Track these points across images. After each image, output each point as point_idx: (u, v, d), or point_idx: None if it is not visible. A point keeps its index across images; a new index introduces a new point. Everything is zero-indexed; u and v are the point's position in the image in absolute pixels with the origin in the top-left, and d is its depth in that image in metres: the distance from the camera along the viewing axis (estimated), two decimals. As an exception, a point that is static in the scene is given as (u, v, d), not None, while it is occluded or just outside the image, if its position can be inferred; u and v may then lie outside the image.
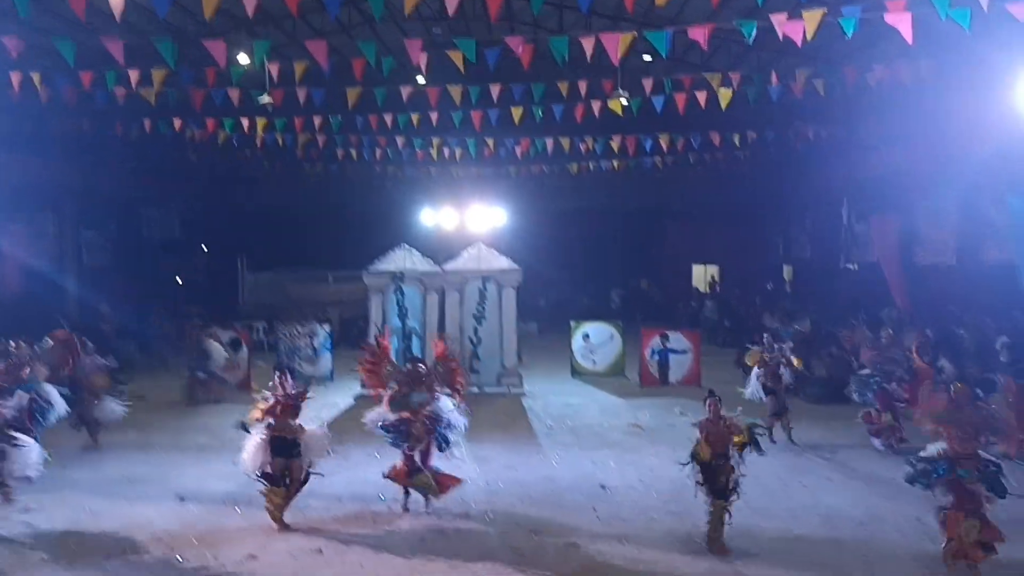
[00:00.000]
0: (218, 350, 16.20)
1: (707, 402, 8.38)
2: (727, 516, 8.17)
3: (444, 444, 9.27)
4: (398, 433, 9.17)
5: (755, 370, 12.89)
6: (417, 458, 9.25)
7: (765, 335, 13.89)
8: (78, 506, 9.52)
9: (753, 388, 12.73)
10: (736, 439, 8.16)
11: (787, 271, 30.19)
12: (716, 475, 8.12)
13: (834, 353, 16.34)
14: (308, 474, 9.02)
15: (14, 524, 8.84)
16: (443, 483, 9.36)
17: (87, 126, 18.27)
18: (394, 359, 10.14)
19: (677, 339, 17.80)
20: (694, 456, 8.24)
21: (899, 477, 10.36)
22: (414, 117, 16.87)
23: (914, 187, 19.70)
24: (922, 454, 7.76)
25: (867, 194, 22.44)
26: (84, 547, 8.25)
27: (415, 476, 9.24)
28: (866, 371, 12.79)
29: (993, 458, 7.61)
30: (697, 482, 8.22)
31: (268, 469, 8.73)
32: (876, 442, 12.16)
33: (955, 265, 19.07)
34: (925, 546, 8.05)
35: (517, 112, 15.68)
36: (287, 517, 8.87)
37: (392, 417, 9.19)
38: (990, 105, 13.31)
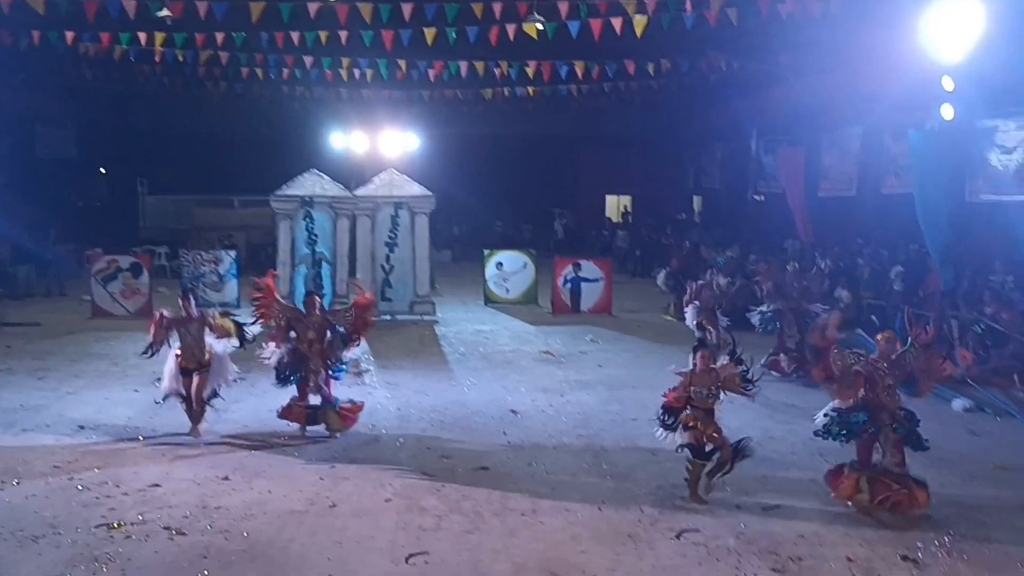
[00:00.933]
0: None
1: (697, 353, 7.74)
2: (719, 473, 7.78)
3: (337, 375, 9.43)
4: (294, 370, 9.27)
5: (691, 306, 12.78)
6: (319, 392, 9.28)
7: (709, 272, 14.04)
8: (-31, 435, 9.18)
9: (692, 326, 12.67)
10: (735, 379, 7.63)
11: (697, 201, 30.70)
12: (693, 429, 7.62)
13: (739, 281, 16.73)
14: (214, 391, 9.28)
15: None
16: (346, 416, 9.36)
17: (-32, 35, 17.04)
18: (293, 289, 10.06)
19: (589, 267, 18.08)
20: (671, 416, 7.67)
21: (793, 400, 10.91)
22: (322, 35, 16.20)
23: (821, 120, 20.13)
24: (837, 403, 7.55)
25: (775, 126, 22.84)
26: (-24, 476, 7.96)
27: (318, 411, 9.26)
28: (773, 305, 12.61)
29: (910, 409, 7.49)
30: (682, 444, 7.69)
31: (179, 388, 9.16)
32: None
33: (854, 196, 19.68)
34: (817, 463, 8.40)
35: (430, 33, 15.23)
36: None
37: (286, 356, 9.27)
38: (897, 41, 13.54)
